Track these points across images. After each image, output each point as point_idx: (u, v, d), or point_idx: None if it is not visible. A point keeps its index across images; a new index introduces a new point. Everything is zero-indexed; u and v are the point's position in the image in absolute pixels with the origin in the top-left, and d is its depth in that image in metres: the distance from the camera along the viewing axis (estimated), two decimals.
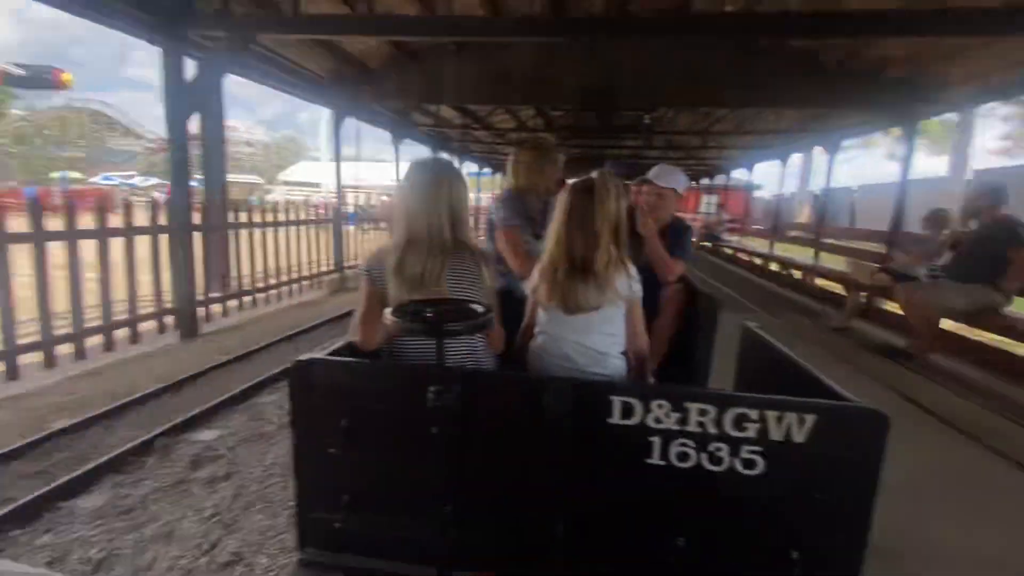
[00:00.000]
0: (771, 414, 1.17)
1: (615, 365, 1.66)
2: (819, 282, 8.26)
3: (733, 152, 14.98)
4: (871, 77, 7.01)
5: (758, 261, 11.26)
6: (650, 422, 1.22)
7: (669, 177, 2.58)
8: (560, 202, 1.64)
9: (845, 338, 5.53)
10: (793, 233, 12.02)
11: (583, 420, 1.27)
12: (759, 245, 12.74)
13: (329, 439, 1.37)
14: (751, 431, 1.18)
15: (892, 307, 5.74)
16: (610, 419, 1.25)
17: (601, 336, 1.63)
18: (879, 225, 8.74)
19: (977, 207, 4.49)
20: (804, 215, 24.32)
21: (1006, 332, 4.25)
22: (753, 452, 1.19)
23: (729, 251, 14.10)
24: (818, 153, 24.17)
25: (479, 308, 1.32)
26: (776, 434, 1.17)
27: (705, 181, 23.50)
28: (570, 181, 1.72)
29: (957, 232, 5.02)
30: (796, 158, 16.29)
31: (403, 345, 1.63)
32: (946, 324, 4.63)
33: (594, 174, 1.62)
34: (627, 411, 1.23)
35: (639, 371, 1.78)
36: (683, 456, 1.22)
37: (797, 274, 8.99)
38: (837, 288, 7.24)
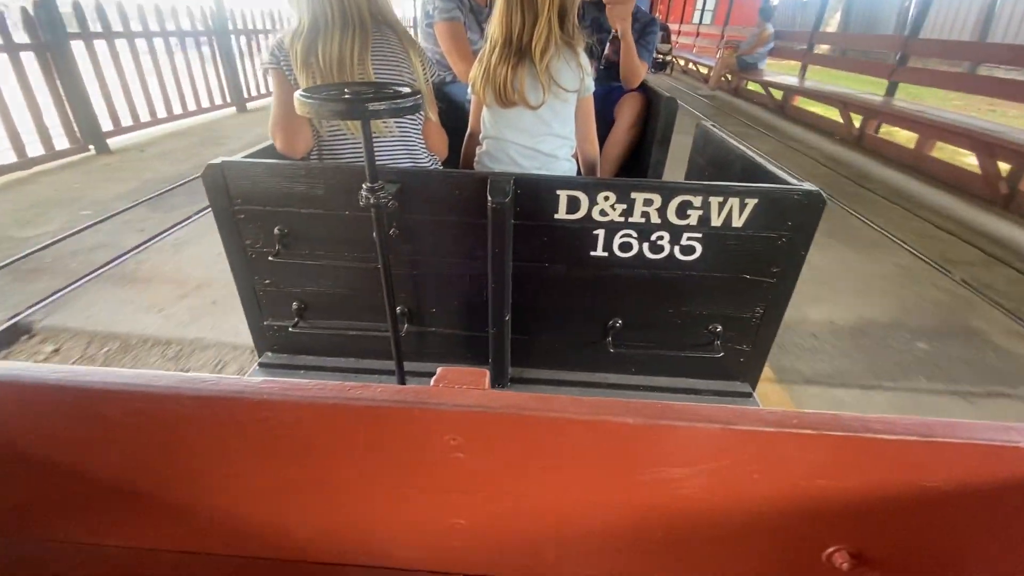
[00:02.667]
0: (715, 200, 1.15)
1: (564, 168, 1.54)
2: None
3: None
4: None
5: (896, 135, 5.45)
6: (596, 215, 1.19)
7: None
8: None
9: None
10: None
11: (529, 216, 1.21)
12: (820, 81, 7.32)
13: (265, 246, 1.29)
14: (693, 218, 1.17)
15: None
16: (556, 215, 1.20)
17: (548, 137, 1.47)
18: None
19: None
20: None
21: None
22: (692, 239, 1.18)
23: (776, 94, 7.61)
24: None
25: (406, 90, 1.01)
26: (717, 220, 1.17)
27: None
28: None
29: None
30: None
31: (334, 147, 1.44)
32: None
33: None
34: (573, 206, 1.18)
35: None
36: (626, 247, 1.21)
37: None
38: None
